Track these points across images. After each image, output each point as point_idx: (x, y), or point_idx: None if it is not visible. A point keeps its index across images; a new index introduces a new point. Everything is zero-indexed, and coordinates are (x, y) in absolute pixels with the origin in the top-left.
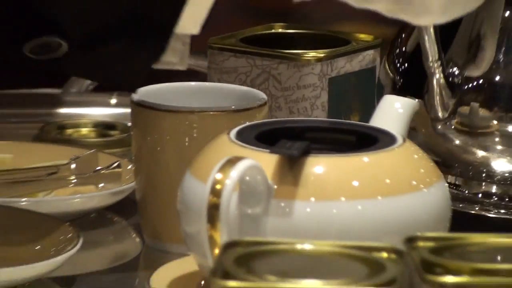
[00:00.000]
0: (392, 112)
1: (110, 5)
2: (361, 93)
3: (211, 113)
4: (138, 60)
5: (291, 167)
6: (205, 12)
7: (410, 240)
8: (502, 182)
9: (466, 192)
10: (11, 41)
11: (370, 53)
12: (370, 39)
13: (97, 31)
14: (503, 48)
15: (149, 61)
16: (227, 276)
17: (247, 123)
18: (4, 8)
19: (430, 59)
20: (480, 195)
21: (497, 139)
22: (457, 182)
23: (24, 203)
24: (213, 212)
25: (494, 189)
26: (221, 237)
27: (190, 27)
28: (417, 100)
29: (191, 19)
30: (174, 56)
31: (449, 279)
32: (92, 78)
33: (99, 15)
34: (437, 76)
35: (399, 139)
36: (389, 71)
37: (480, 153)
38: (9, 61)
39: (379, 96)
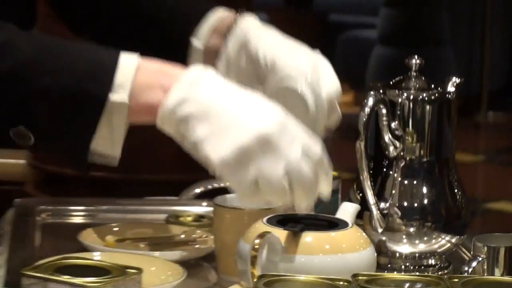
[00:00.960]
0: (347, 211)
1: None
2: (332, 202)
3: (256, 210)
4: (71, 154)
5: (294, 237)
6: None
7: (355, 276)
8: (407, 258)
9: (388, 264)
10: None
11: (336, 182)
12: (335, 174)
13: (47, 127)
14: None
15: (77, 159)
16: None
17: (273, 215)
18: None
19: (371, 203)
20: (395, 266)
21: (404, 236)
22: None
23: (156, 254)
24: (253, 259)
25: (401, 262)
26: (257, 273)
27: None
28: (359, 205)
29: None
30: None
31: None
32: (48, 152)
33: (48, 114)
34: (375, 212)
35: (350, 224)
36: (356, 194)
37: (394, 245)
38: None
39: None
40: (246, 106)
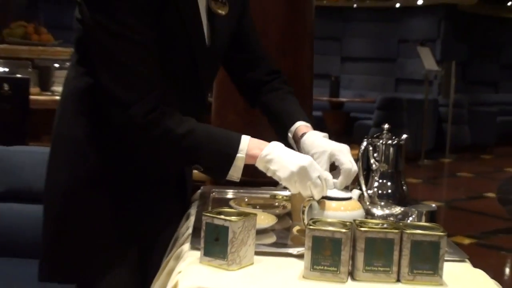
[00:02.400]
0: (355, 193)
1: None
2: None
3: None
4: (218, 178)
5: (325, 203)
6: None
7: (354, 220)
8: (379, 217)
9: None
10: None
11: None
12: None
13: (208, 167)
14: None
15: (220, 179)
16: (309, 225)
17: None
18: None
19: (364, 190)
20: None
21: (378, 206)
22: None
23: (264, 211)
24: (303, 211)
25: (377, 219)
26: (307, 219)
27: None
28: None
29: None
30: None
31: (362, 229)
32: (208, 175)
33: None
34: (365, 195)
35: (354, 198)
36: (357, 186)
37: (374, 210)
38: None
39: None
40: (295, 155)
